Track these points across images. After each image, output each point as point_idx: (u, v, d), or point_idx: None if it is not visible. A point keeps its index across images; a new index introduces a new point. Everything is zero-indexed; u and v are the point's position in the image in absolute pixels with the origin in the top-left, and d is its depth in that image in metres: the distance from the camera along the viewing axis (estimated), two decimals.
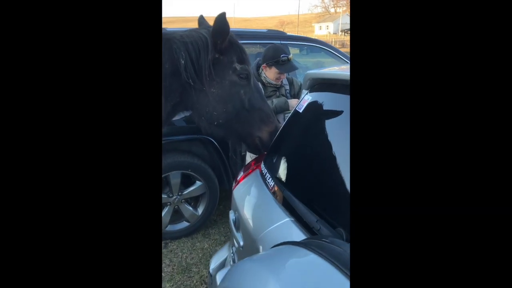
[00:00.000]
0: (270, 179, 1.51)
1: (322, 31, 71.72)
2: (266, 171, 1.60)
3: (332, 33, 66.04)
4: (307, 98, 1.60)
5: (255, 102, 1.77)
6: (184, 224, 3.51)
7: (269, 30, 4.41)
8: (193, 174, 3.33)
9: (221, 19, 1.57)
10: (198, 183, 3.40)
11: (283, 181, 1.43)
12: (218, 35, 1.61)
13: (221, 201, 4.02)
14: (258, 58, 2.94)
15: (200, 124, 1.76)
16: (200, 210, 3.52)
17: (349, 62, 4.53)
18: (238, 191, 1.73)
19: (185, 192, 3.37)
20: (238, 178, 1.82)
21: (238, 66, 1.70)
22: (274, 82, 2.85)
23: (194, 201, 3.55)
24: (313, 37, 4.63)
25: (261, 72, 2.90)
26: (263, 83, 2.84)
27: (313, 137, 1.44)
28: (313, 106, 1.54)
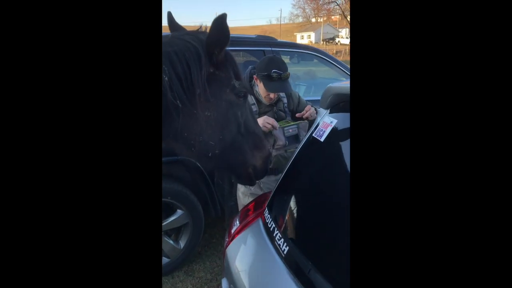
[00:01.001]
0: (281, 240, 1.04)
1: (304, 40, 72.15)
2: (273, 224, 1.13)
3: (314, 43, 66.52)
4: (329, 121, 1.15)
5: (249, 124, 1.47)
6: (164, 260, 3.01)
7: (258, 36, 3.97)
8: (173, 202, 2.85)
9: (221, 23, 1.23)
10: (179, 212, 2.92)
11: (304, 247, 0.96)
12: (215, 44, 1.27)
13: (206, 228, 3.53)
14: (251, 66, 2.46)
15: (187, 156, 1.41)
16: (182, 243, 3.03)
17: (344, 70, 4.14)
18: (233, 252, 1.25)
19: (164, 224, 2.88)
20: (232, 231, 1.34)
21: (236, 83, 1.37)
22: (264, 101, 2.36)
23: (175, 233, 3.04)
24: (306, 44, 4.21)
25: (253, 85, 2.41)
26: (256, 99, 2.37)
27: (346, 178, 0.97)
28: (341, 133, 1.09)
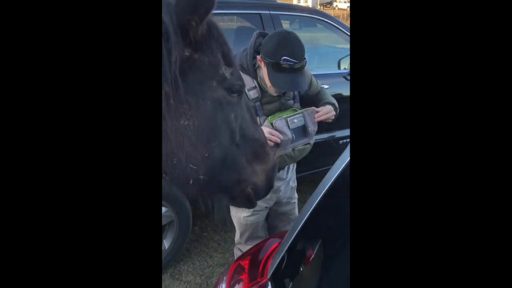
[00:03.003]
0: None
1: (300, 4, 70.12)
2: None
3: (311, 7, 64.59)
4: None
5: (247, 127, 1.08)
6: None
7: None
8: None
9: None
10: (162, 209, 2.51)
11: None
12: (191, 11, 0.85)
13: (195, 220, 3.12)
14: (256, 33, 1.82)
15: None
16: (166, 243, 2.65)
17: None
18: None
19: None
20: None
21: (227, 71, 0.96)
22: (270, 91, 1.76)
23: None
24: (309, 6, 3.63)
25: (258, 67, 1.75)
26: (259, 85, 1.80)
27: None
28: None
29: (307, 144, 1.84)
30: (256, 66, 1.77)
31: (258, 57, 1.70)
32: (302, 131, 1.78)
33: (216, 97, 0.95)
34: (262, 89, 1.79)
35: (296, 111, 1.79)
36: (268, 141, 1.65)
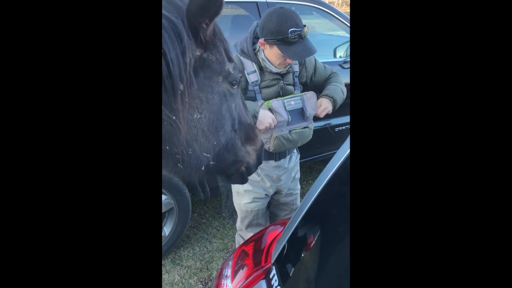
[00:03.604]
0: None
1: None
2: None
3: None
4: None
5: (242, 114, 1.21)
6: None
7: None
8: None
9: None
10: (162, 197, 2.54)
11: None
12: (203, 12, 0.89)
13: (195, 207, 3.18)
14: (256, 22, 1.88)
15: (171, 173, 1.11)
16: (166, 230, 2.70)
17: (348, 24, 3.62)
18: None
19: None
20: None
21: (230, 66, 1.05)
22: (277, 69, 1.84)
23: None
24: None
25: (258, 50, 1.83)
26: (260, 68, 1.87)
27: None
28: None
29: (305, 127, 1.89)
30: (256, 50, 1.83)
31: (260, 41, 1.76)
32: (299, 114, 1.83)
33: (221, 91, 1.04)
34: (261, 72, 1.84)
35: (295, 96, 1.84)
36: (264, 125, 1.73)
